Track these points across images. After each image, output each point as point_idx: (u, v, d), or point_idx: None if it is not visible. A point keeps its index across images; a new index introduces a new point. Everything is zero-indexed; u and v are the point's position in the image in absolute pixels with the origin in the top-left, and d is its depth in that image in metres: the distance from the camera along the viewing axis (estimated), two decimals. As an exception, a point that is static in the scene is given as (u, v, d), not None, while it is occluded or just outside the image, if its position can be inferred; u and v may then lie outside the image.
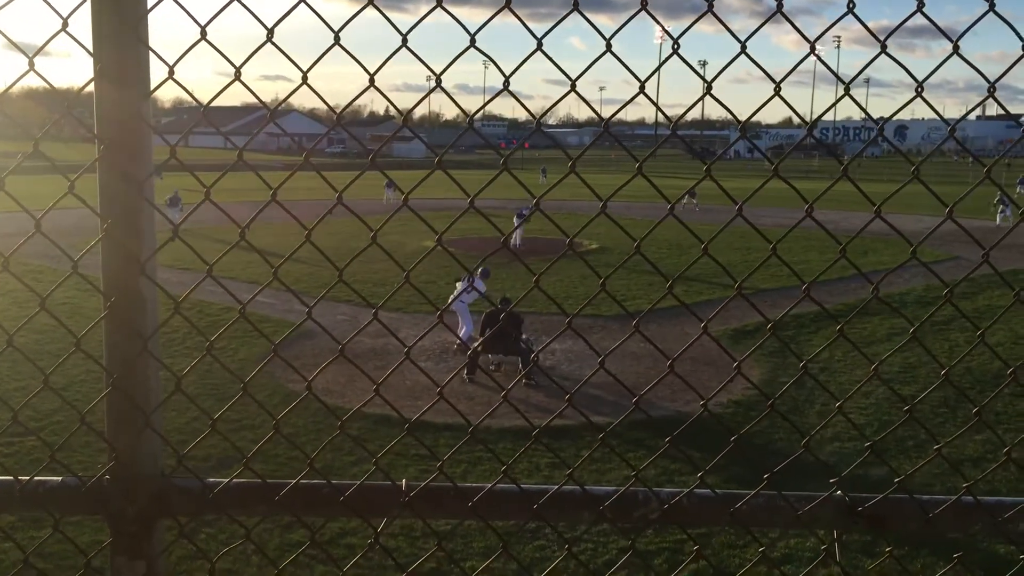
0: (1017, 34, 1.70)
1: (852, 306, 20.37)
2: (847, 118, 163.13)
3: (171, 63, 1.71)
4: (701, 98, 1.73)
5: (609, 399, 14.05)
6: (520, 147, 2.19)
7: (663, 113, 1.80)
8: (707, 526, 1.81)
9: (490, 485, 1.77)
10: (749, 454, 12.06)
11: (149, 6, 1.73)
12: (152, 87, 1.76)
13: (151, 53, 1.74)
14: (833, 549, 1.81)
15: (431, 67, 1.80)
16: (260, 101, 1.86)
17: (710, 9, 1.66)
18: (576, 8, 1.67)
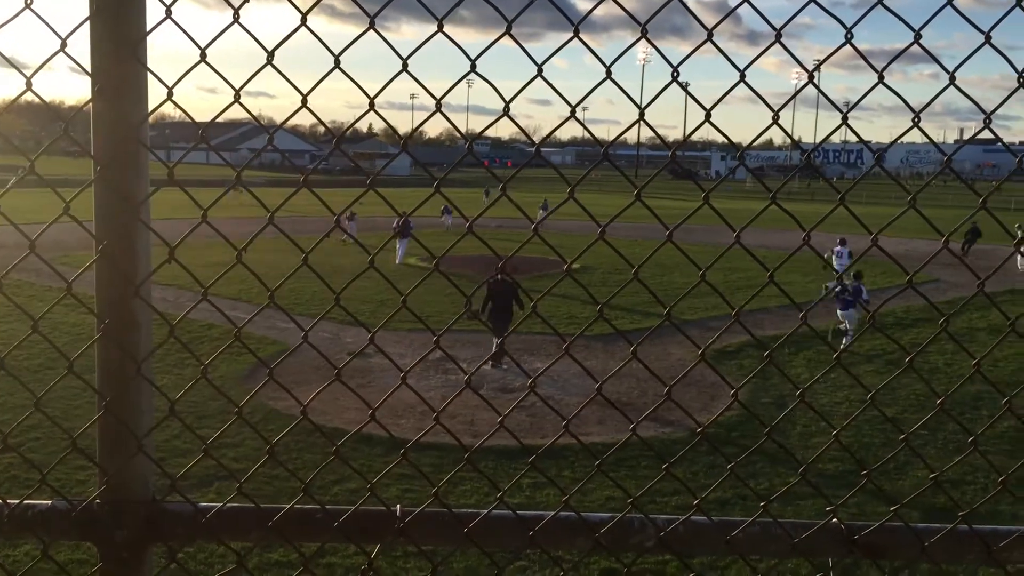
0: (1012, 66, 1.72)
1: (833, 328, 20.48)
2: (829, 141, 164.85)
3: (167, 82, 1.70)
4: (700, 125, 1.74)
5: (592, 418, 14.05)
6: (518, 170, 2.19)
7: (661, 139, 1.81)
8: (703, 555, 1.81)
9: (485, 512, 1.75)
10: (739, 477, 12.05)
11: (148, 28, 1.72)
12: (150, 107, 1.75)
13: (149, 74, 1.73)
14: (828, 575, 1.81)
15: (430, 90, 1.80)
16: (257, 122, 1.85)
17: (709, 38, 1.67)
18: (577, 35, 1.67)
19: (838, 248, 26.95)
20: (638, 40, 1.68)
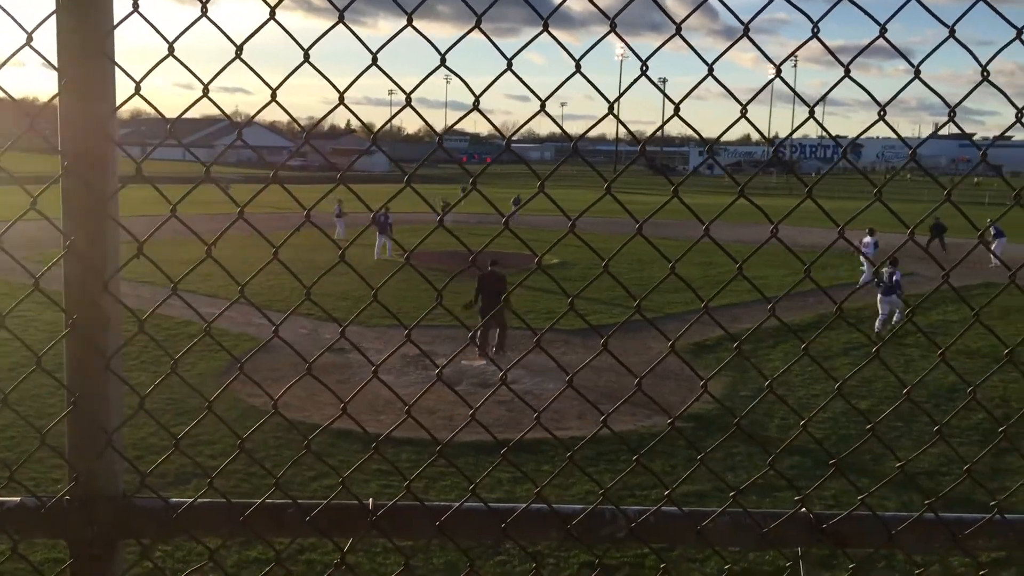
0: (976, 60, 1.74)
1: (811, 321, 20.65)
2: (803, 136, 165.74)
3: (136, 78, 1.69)
4: (668, 119, 1.75)
5: (573, 413, 14.08)
6: (487, 165, 2.19)
7: (631, 133, 1.82)
8: (673, 544, 1.82)
9: (457, 504, 1.76)
10: (711, 469, 12.13)
11: (115, 22, 1.71)
12: (118, 102, 1.74)
13: (117, 68, 1.72)
14: (797, 567, 1.83)
15: (400, 85, 1.80)
16: (227, 117, 1.84)
17: (678, 32, 1.68)
18: (546, 29, 1.68)
19: (867, 240, 27.22)
20: (606, 34, 1.68)
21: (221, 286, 21.60)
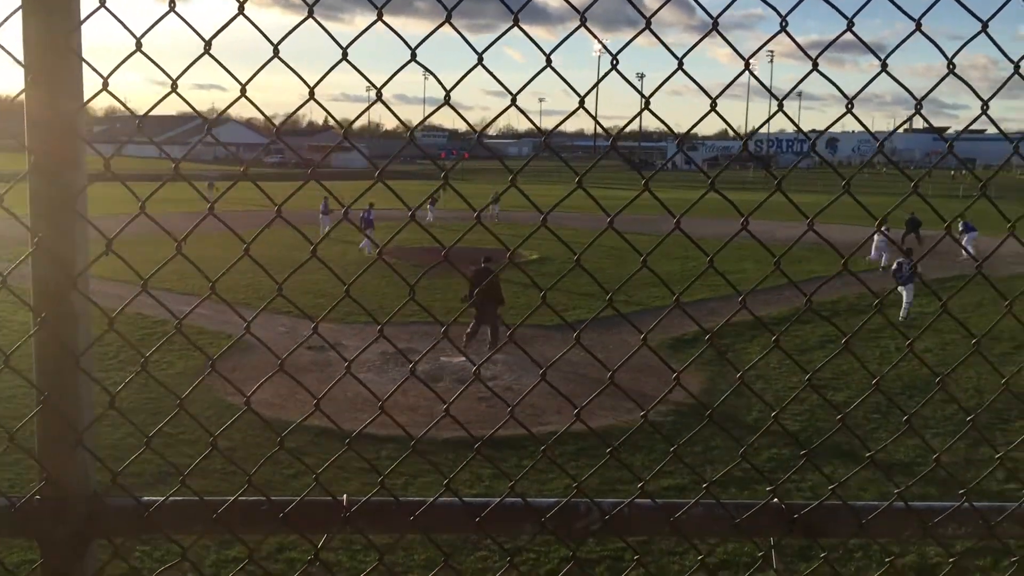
0: (943, 52, 1.76)
1: (787, 315, 20.79)
2: (780, 130, 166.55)
3: (105, 74, 1.68)
4: (639, 113, 1.76)
5: (552, 408, 14.10)
6: (460, 159, 2.19)
7: (601, 127, 1.82)
8: (648, 536, 1.83)
9: (431, 499, 1.76)
10: (689, 462, 12.20)
11: (82, 17, 1.69)
12: (86, 97, 1.72)
13: (84, 64, 1.71)
14: (770, 555, 1.85)
15: (370, 79, 1.80)
16: (197, 113, 1.84)
17: (648, 27, 1.69)
18: (516, 24, 1.68)
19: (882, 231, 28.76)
20: (576, 29, 1.69)
21: (198, 285, 21.46)
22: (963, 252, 27.74)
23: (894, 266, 23.76)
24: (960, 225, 32.16)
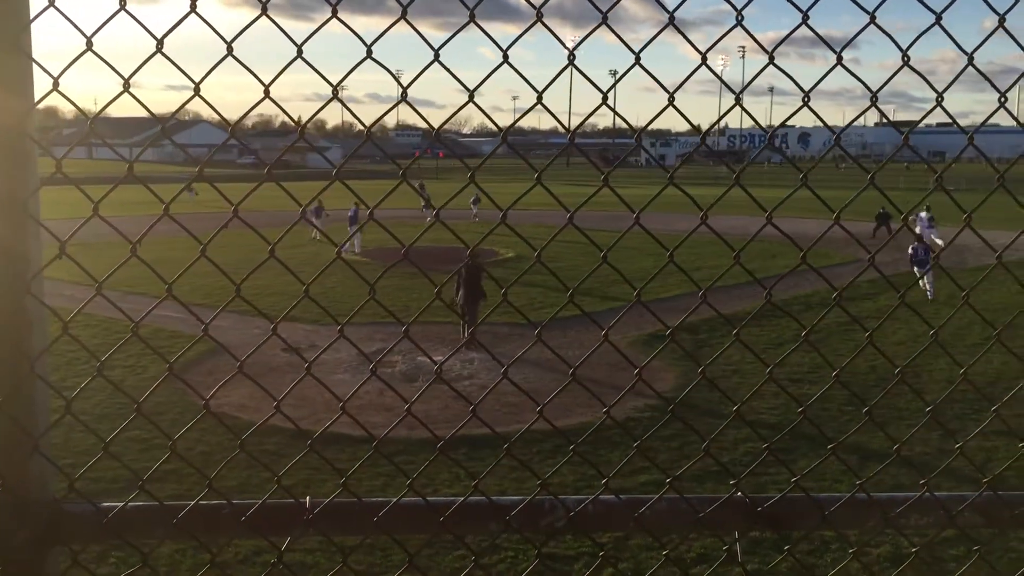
0: (897, 45, 1.77)
1: (768, 310, 20.93)
2: (752, 126, 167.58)
3: (55, 74, 1.65)
4: (596, 109, 1.76)
5: (529, 407, 14.10)
6: (429, 156, 2.19)
7: (560, 123, 1.82)
8: (613, 532, 1.83)
9: (395, 500, 1.75)
10: (666, 457, 12.26)
11: (32, 16, 1.67)
12: (36, 98, 1.70)
13: (35, 64, 1.68)
14: (735, 549, 1.85)
15: (327, 78, 1.79)
16: (151, 114, 1.81)
17: (604, 22, 1.69)
18: (472, 20, 1.67)
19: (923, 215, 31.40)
20: (532, 25, 1.68)
21: (180, 289, 21.25)
22: (937, 243, 28.50)
23: (909, 250, 24.72)
24: (918, 219, 32.83)
